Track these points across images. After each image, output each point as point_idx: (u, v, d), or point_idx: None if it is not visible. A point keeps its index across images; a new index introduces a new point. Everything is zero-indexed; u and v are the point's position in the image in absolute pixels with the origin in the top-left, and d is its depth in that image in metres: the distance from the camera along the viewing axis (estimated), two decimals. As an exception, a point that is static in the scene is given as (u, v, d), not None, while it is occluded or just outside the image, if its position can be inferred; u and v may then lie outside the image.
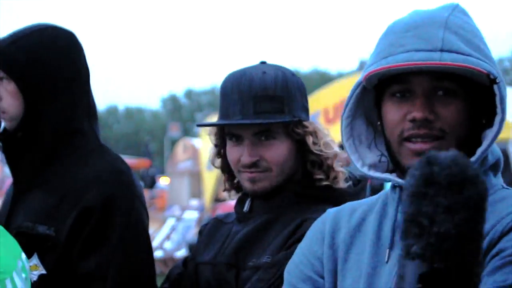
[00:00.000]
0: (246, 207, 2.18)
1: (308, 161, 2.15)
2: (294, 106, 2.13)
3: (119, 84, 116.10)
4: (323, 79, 55.74)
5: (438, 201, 1.12)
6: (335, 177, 2.15)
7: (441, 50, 1.52)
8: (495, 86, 1.53)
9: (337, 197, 2.13)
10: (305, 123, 2.14)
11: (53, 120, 2.12)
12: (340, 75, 46.98)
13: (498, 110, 1.54)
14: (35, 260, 2.05)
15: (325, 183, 2.14)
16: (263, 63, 2.19)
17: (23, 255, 1.70)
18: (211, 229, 2.28)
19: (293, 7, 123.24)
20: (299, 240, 1.97)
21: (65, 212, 2.06)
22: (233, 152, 2.15)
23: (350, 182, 2.20)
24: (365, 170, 1.66)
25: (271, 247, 2.06)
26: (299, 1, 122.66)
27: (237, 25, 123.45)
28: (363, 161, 1.68)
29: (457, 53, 1.52)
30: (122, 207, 2.08)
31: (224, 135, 2.19)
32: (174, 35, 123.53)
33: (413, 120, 1.53)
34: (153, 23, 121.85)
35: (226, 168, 2.24)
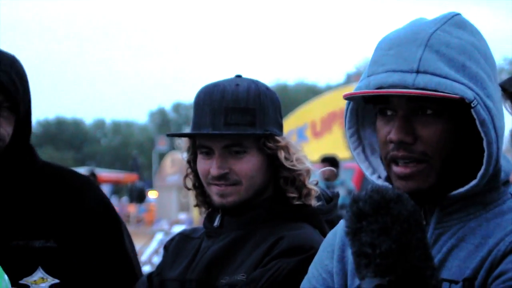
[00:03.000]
0: (216, 222, 2.15)
1: (281, 178, 2.12)
2: (266, 119, 2.11)
3: (107, 98, 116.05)
4: (311, 92, 55.84)
5: (372, 228, 1.26)
6: (307, 194, 2.11)
7: (417, 72, 1.50)
8: (472, 110, 1.49)
9: (309, 215, 2.12)
10: (278, 138, 2.11)
11: (26, 141, 2.21)
12: (329, 88, 47.09)
13: (482, 134, 1.50)
14: (40, 273, 2.13)
15: (297, 202, 2.10)
16: (238, 76, 2.17)
17: (6, 277, 1.77)
18: (177, 245, 2.25)
19: (281, 21, 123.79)
20: (275, 257, 1.99)
21: (60, 222, 2.15)
22: (203, 165, 2.12)
23: (323, 201, 2.17)
24: (374, 179, 1.65)
25: (245, 265, 2.04)
26: (288, 15, 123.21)
27: (225, 37, 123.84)
28: (373, 169, 1.67)
29: (433, 74, 1.49)
30: (114, 211, 2.25)
31: (196, 149, 2.18)
32: (162, 48, 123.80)
33: (391, 142, 1.53)
34: (140, 36, 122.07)
35: (197, 184, 2.22)
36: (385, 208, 1.26)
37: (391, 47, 1.55)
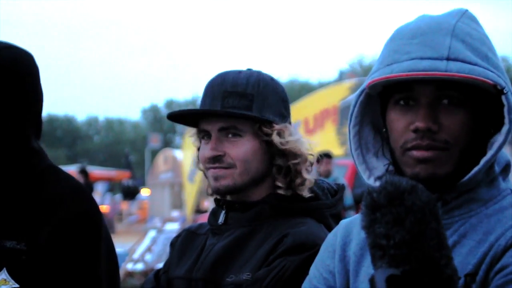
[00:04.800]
0: (220, 219, 2.15)
1: (274, 165, 2.11)
2: (264, 106, 2.10)
3: (100, 94, 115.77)
4: (304, 89, 55.82)
5: (386, 219, 1.25)
6: (301, 184, 2.10)
7: (447, 59, 1.50)
8: (502, 97, 1.50)
9: (313, 210, 2.11)
10: (275, 124, 2.10)
11: (10, 140, 2.10)
12: (321, 85, 47.08)
13: (506, 120, 1.51)
14: (3, 275, 2.06)
15: (283, 192, 2.09)
16: (249, 69, 2.18)
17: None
18: (183, 242, 2.24)
19: (273, 18, 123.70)
20: (279, 256, 1.98)
21: (36, 227, 2.06)
22: (202, 150, 2.13)
23: (328, 194, 2.17)
24: (371, 182, 1.64)
25: (251, 263, 2.03)
26: (280, 12, 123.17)
27: (217, 35, 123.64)
28: (370, 172, 1.65)
29: (464, 62, 1.50)
30: (96, 222, 2.11)
31: (199, 135, 2.18)
32: (154, 45, 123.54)
33: (416, 130, 1.51)
34: (134, 33, 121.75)
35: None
36: (399, 199, 1.25)
37: (414, 36, 1.54)
